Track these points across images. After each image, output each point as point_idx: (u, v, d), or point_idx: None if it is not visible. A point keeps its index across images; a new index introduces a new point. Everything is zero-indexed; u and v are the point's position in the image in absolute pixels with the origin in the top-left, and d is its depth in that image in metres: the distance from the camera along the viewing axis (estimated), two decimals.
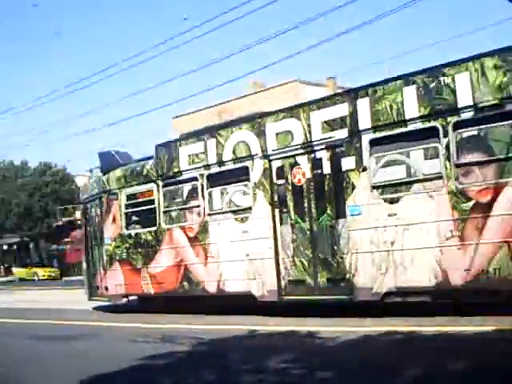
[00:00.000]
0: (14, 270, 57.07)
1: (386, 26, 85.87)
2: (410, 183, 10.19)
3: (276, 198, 11.85)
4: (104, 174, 15.28)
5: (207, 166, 12.92)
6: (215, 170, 12.82)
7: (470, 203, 9.43)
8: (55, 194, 56.38)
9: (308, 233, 11.41)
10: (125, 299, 15.94)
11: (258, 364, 7.83)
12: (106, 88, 66.41)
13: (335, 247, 10.99)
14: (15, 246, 66.91)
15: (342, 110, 10.90)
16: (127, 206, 14.62)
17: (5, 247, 67.45)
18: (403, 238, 10.10)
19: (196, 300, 13.40)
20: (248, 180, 12.22)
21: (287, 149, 11.64)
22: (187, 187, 13.40)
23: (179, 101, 38.75)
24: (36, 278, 50.62)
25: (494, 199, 9.25)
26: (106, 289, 15.25)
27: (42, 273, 51.73)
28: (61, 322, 14.68)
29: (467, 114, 9.56)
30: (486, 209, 9.28)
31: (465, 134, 9.66)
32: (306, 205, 11.50)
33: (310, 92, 38.12)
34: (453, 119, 9.64)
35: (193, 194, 13.25)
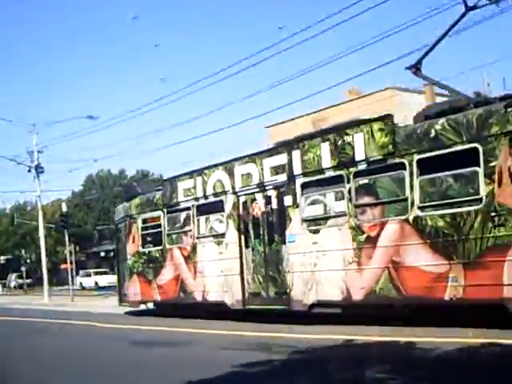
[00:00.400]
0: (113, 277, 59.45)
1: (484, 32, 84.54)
2: (326, 218, 13.05)
3: (242, 227, 14.94)
4: (127, 201, 18.89)
5: (196, 199, 16.24)
6: (201, 201, 16.15)
7: (364, 236, 12.19)
8: None
9: (263, 255, 14.47)
10: (143, 305, 19.25)
11: (355, 374, 7.96)
12: (205, 96, 70.37)
13: (280, 267, 13.97)
14: (112, 253, 68.95)
15: (283, 158, 13.88)
16: (143, 229, 18.21)
17: (102, 254, 70.24)
18: (322, 262, 12.96)
19: (191, 307, 16.65)
20: (223, 211, 15.37)
21: (248, 187, 14.76)
22: (183, 215, 16.81)
23: (274, 110, 40.84)
24: None
25: (379, 234, 11.96)
26: (129, 296, 18.88)
27: None
28: (152, 328, 15.99)
29: (362, 166, 12.33)
30: (374, 241, 12.01)
31: (361, 182, 12.44)
32: (261, 232, 14.54)
33: (406, 99, 39.68)
34: (353, 170, 12.43)
35: (186, 220, 16.66)
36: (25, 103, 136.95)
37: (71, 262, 43.10)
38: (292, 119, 44.25)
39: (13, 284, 67.46)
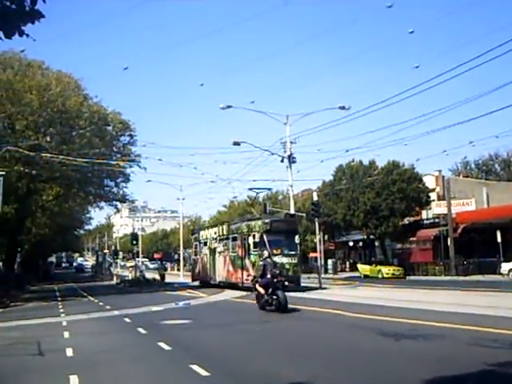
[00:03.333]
0: (359, 266, 61.00)
1: None
2: (224, 251, 40.23)
3: (209, 251, 43.39)
4: (192, 235, 50.70)
5: (203, 239, 45.47)
6: (203, 241, 45.53)
7: (226, 258, 39.53)
8: (402, 192, 57.51)
9: (215, 262, 41.80)
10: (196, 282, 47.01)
11: None
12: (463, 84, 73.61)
13: (215, 267, 41.59)
14: (360, 243, 72.82)
15: (221, 229, 41.54)
16: (194, 248, 48.10)
17: (351, 244, 74.39)
18: (220, 266, 40.78)
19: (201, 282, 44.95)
20: (206, 245, 44.27)
21: (211, 237, 43.18)
22: (201, 245, 46.36)
23: None
24: (380, 276, 53.46)
25: (226, 258, 39.43)
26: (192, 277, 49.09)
27: (385, 270, 53.94)
28: (408, 321, 16.94)
29: (227, 236, 39.40)
30: (226, 260, 39.47)
31: (226, 241, 40.05)
32: (214, 254, 42.13)
33: None
34: (230, 237, 39.12)
35: (201, 247, 46.12)
36: (279, 97, 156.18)
37: (320, 251, 44.43)
38: None
39: None
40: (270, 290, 21.88)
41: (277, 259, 30.75)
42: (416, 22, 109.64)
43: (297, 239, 34.69)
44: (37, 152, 38.28)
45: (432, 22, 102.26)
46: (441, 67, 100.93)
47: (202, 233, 46.41)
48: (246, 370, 11.11)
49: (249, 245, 35.02)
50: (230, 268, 37.92)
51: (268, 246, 31.31)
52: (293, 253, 33.70)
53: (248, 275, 34.00)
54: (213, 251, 41.91)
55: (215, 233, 42.16)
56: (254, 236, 34.56)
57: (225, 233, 39.95)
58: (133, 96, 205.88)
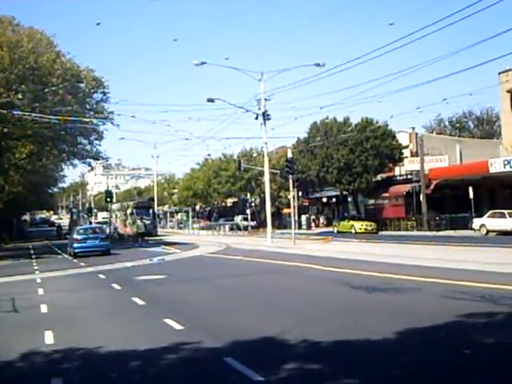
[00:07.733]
0: (334, 222, 62.45)
1: None
2: (120, 217, 67.46)
3: (116, 217, 70.50)
4: (111, 205, 73.76)
5: (115, 209, 71.82)
6: (115, 210, 71.46)
7: (122, 220, 65.82)
8: (375, 149, 57.42)
9: (116, 222, 68.55)
10: None
11: None
12: (436, 41, 73.41)
13: (120, 225, 66.35)
14: (334, 199, 72.88)
15: (120, 205, 72.57)
16: (111, 214, 72.68)
17: (324, 200, 74.03)
18: (119, 225, 66.89)
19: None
20: (114, 213, 71.58)
21: (117, 208, 71.29)
22: (115, 213, 71.34)
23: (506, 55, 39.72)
24: (353, 231, 54.33)
25: (120, 220, 66.51)
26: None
27: (358, 226, 54.79)
28: (383, 275, 16.97)
29: (121, 209, 68.51)
30: (121, 221, 65.97)
31: (121, 212, 67.88)
32: (116, 218, 69.31)
33: None
34: (122, 209, 68.32)
35: (114, 214, 71.78)
36: (254, 54, 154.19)
37: (294, 207, 44.39)
38: None
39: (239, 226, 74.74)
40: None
41: (139, 221, 59.83)
42: None
43: (150, 211, 63.78)
44: (8, 109, 37.58)
45: None
46: (416, 25, 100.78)
47: (114, 206, 72.70)
48: (219, 323, 11.26)
49: (128, 214, 63.80)
50: (123, 226, 66.13)
51: (136, 215, 61.08)
52: (148, 218, 61.59)
53: (129, 230, 61.93)
54: (116, 216, 69.67)
55: (118, 206, 71.48)
56: (130, 209, 63.47)
57: (121, 207, 69.40)
58: (106, 53, 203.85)
